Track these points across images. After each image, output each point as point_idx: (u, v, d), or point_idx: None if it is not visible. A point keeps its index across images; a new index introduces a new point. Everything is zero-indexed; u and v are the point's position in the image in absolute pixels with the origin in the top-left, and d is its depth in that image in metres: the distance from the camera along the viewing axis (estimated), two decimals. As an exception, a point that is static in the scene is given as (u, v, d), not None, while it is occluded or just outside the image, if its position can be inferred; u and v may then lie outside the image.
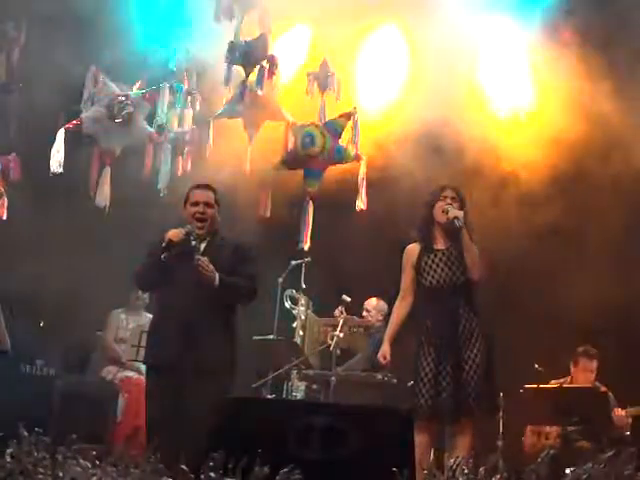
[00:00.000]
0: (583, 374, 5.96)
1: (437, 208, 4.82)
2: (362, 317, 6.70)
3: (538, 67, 6.79)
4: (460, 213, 4.72)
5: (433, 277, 4.77)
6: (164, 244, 4.56)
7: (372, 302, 6.72)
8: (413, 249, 4.90)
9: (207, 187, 4.84)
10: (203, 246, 4.73)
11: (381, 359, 4.87)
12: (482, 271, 4.74)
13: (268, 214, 6.71)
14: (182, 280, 4.57)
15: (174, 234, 4.60)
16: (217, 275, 4.54)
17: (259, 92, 6.61)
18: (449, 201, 4.78)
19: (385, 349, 4.85)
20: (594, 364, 5.96)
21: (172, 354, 4.52)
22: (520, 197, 6.64)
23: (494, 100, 6.86)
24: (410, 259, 4.87)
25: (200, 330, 4.54)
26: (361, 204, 6.55)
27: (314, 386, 6.33)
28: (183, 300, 4.57)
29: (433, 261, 4.79)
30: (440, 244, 4.84)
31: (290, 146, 6.77)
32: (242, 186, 6.32)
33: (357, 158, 6.58)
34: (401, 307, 4.92)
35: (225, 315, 4.69)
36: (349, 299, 6.34)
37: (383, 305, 6.59)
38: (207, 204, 4.75)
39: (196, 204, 4.74)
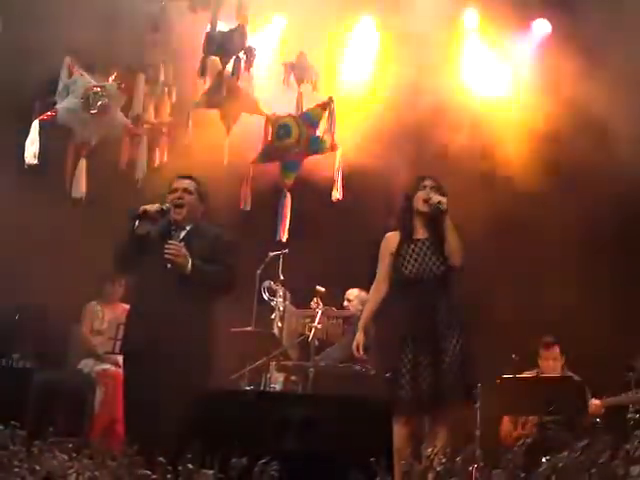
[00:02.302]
0: (546, 363, 6.02)
1: (417, 198, 4.81)
2: (343, 307, 6.70)
3: (512, 56, 6.84)
4: (443, 198, 4.72)
5: (413, 266, 4.75)
6: (138, 213, 4.63)
7: (354, 292, 6.71)
8: (393, 237, 4.87)
9: (189, 177, 4.90)
10: (183, 234, 4.76)
11: (354, 350, 4.84)
12: (463, 258, 4.74)
13: (249, 207, 6.69)
14: (158, 268, 4.58)
15: (149, 206, 4.68)
16: (190, 261, 4.54)
17: (238, 83, 6.59)
18: (429, 190, 4.79)
19: (359, 338, 4.81)
20: (555, 351, 6.02)
21: (146, 341, 4.51)
22: (497, 188, 6.68)
23: (470, 90, 6.89)
24: (389, 247, 4.84)
25: (174, 318, 4.53)
26: (337, 194, 6.55)
27: (292, 377, 6.34)
28: (159, 287, 4.58)
29: (413, 250, 4.77)
30: (420, 234, 4.83)
31: (267, 138, 6.76)
32: (219, 177, 6.30)
33: (333, 148, 6.57)
34: (376, 295, 4.89)
35: (202, 305, 4.68)
36: (323, 289, 6.34)
37: (365, 295, 6.59)
38: (185, 190, 4.80)
39: (175, 191, 4.81)
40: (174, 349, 4.50)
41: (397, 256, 4.79)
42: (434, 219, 4.77)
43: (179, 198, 4.76)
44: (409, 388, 4.56)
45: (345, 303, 6.72)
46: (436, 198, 4.72)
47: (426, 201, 4.76)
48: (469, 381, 4.66)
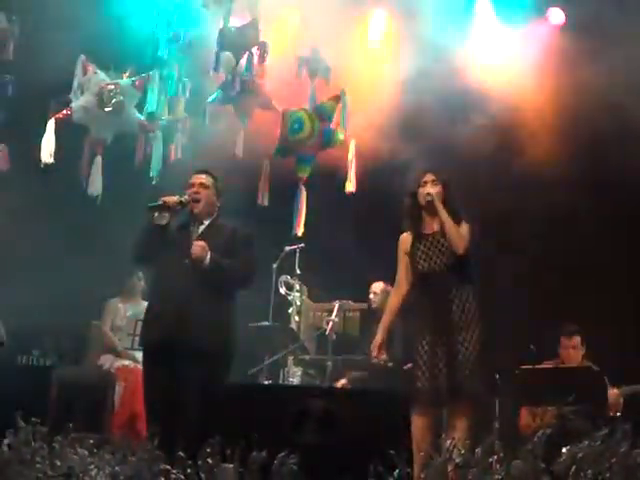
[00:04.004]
0: (566, 352, 6.00)
1: (420, 194, 4.88)
2: (368, 300, 6.69)
3: (526, 43, 6.81)
4: (432, 189, 4.80)
5: (425, 261, 4.81)
6: (157, 204, 4.69)
7: (380, 285, 6.68)
8: (406, 238, 4.95)
9: (206, 172, 4.95)
10: (201, 228, 4.79)
11: (373, 350, 4.86)
12: (466, 245, 4.73)
13: (266, 202, 6.69)
14: (177, 262, 4.60)
15: (168, 197, 4.74)
16: (208, 254, 4.56)
17: (254, 79, 6.59)
18: (429, 185, 4.84)
19: (378, 339, 4.85)
20: (576, 340, 6.00)
21: (166, 335, 4.53)
22: (508, 178, 6.66)
23: (484, 76, 6.85)
24: (403, 247, 4.93)
25: (194, 312, 4.54)
26: (350, 186, 6.53)
27: (310, 371, 6.35)
28: (177, 282, 4.59)
29: (425, 246, 4.84)
30: (429, 229, 4.89)
31: (282, 133, 6.75)
32: (235, 173, 6.31)
33: (346, 140, 6.55)
34: (395, 296, 4.97)
35: (222, 299, 4.69)
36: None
37: (391, 289, 6.57)
38: (202, 185, 4.85)
39: (191, 186, 4.86)
40: (193, 343, 4.51)
41: (411, 254, 4.87)
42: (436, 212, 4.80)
43: (196, 193, 4.81)
44: (425, 380, 4.59)
45: (371, 296, 6.70)
46: (424, 191, 4.80)
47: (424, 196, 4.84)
48: (486, 372, 4.66)
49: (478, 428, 4.69)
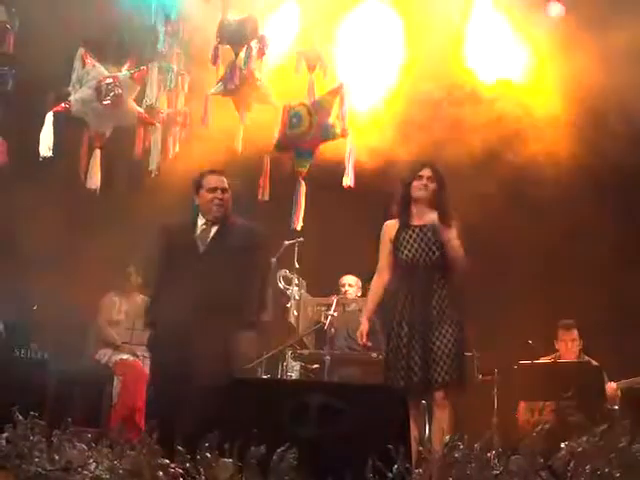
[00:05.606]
0: (565, 345, 6.03)
1: (414, 187, 4.87)
2: (344, 294, 6.73)
3: (526, 36, 6.79)
4: (428, 184, 4.79)
5: (409, 251, 4.81)
6: None
7: (353, 278, 6.73)
8: (391, 225, 4.95)
9: (221, 173, 4.87)
10: (214, 230, 4.74)
11: (359, 338, 4.90)
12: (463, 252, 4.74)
13: (267, 198, 6.68)
14: (186, 264, 4.57)
15: None
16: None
17: (254, 73, 6.57)
18: (425, 181, 4.84)
19: (363, 327, 4.87)
20: (573, 333, 6.02)
21: (175, 353, 4.45)
22: (508, 170, 6.65)
23: (484, 73, 6.83)
24: (388, 234, 4.92)
25: (202, 337, 4.44)
26: (348, 181, 6.51)
27: (309, 366, 6.35)
28: (186, 299, 4.47)
29: (410, 236, 4.84)
30: (417, 221, 4.89)
31: (283, 128, 6.74)
32: (234, 167, 6.29)
33: (344, 134, 6.54)
34: (377, 283, 4.95)
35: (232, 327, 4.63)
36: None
37: (358, 281, 6.67)
38: (223, 190, 4.78)
39: (214, 190, 4.76)
40: (196, 339, 4.47)
41: (395, 242, 4.86)
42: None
43: (220, 199, 4.73)
44: (404, 373, 4.62)
45: (346, 288, 6.75)
46: (419, 184, 4.82)
47: (419, 190, 4.84)
48: (461, 367, 4.66)
49: (477, 424, 4.69)
